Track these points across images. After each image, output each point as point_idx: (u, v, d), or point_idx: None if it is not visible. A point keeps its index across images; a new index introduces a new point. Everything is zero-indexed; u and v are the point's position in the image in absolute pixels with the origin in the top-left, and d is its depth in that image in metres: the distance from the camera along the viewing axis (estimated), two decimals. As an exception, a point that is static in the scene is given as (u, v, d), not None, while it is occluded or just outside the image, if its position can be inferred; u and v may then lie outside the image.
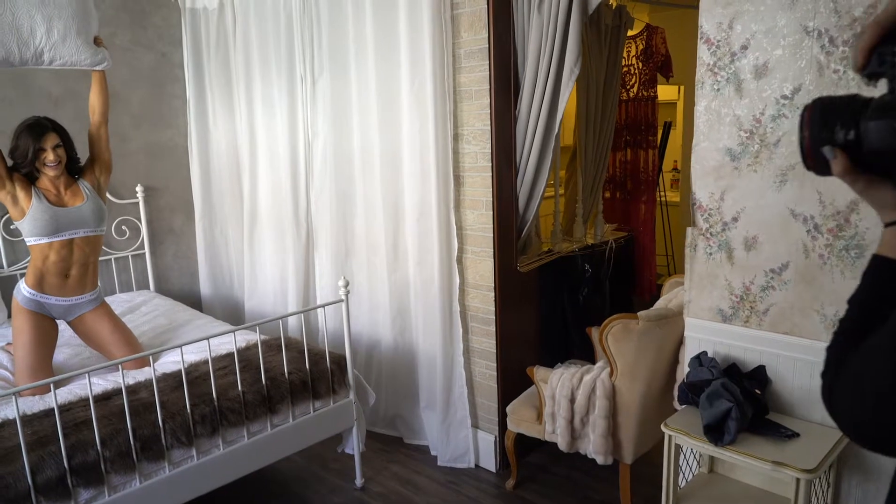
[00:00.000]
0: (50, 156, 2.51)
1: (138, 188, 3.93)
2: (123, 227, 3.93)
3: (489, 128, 2.70)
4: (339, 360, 2.74)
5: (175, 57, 4.06)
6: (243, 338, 2.96)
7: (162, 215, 4.13)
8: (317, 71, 3.31)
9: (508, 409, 2.74)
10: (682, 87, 4.88)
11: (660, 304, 2.56)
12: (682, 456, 2.18)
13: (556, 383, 2.50)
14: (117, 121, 3.73)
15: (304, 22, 3.30)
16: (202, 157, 4.12)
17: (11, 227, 3.51)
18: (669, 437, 1.94)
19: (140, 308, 3.59)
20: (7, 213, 3.47)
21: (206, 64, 3.98)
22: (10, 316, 3.36)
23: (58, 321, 2.73)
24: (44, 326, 2.63)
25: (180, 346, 2.29)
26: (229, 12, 3.73)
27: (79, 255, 2.62)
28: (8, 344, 3.01)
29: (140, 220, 3.98)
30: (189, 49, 4.03)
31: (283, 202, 3.63)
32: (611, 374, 2.42)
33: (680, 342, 2.41)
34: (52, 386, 1.99)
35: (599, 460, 2.44)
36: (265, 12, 3.50)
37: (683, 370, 2.39)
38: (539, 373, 2.61)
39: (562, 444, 2.50)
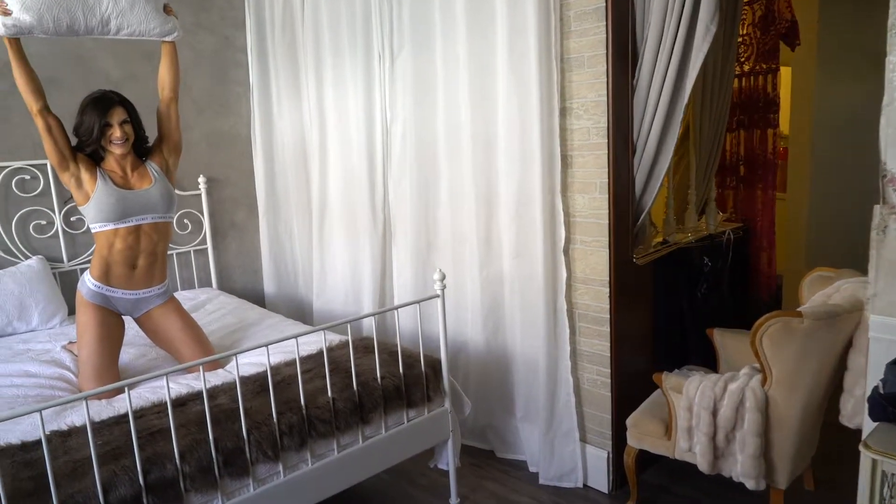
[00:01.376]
0: (116, 132, 2.25)
1: (200, 179, 3.69)
2: (185, 221, 3.70)
3: (605, 99, 2.35)
4: (433, 364, 2.42)
5: (238, 41, 3.82)
6: (319, 339, 2.66)
7: (224, 208, 3.89)
8: (396, 48, 3.01)
9: (629, 421, 2.38)
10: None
11: (816, 300, 2.18)
12: (885, 485, 1.79)
13: (695, 392, 2.13)
14: (180, 107, 3.50)
15: (384, -7, 3.01)
16: (266, 147, 3.86)
17: (72, 218, 3.30)
18: (873, 461, 1.56)
19: (205, 306, 3.33)
20: (69, 204, 3.26)
21: (271, 48, 3.73)
22: (70, 313, 3.16)
23: (124, 318, 2.47)
24: (110, 323, 2.37)
25: (266, 345, 1.99)
26: (299, -8, 3.47)
27: (146, 244, 2.36)
28: (70, 343, 2.77)
29: (202, 214, 3.74)
30: (253, 32, 3.79)
31: (357, 193, 3.33)
32: (763, 382, 2.04)
33: (848, 345, 2.03)
34: (126, 389, 1.71)
35: (750, 485, 2.06)
36: (339, -15, 3.22)
37: (855, 379, 2.00)
38: (669, 380, 2.25)
39: (702, 464, 2.13)
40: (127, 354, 2.62)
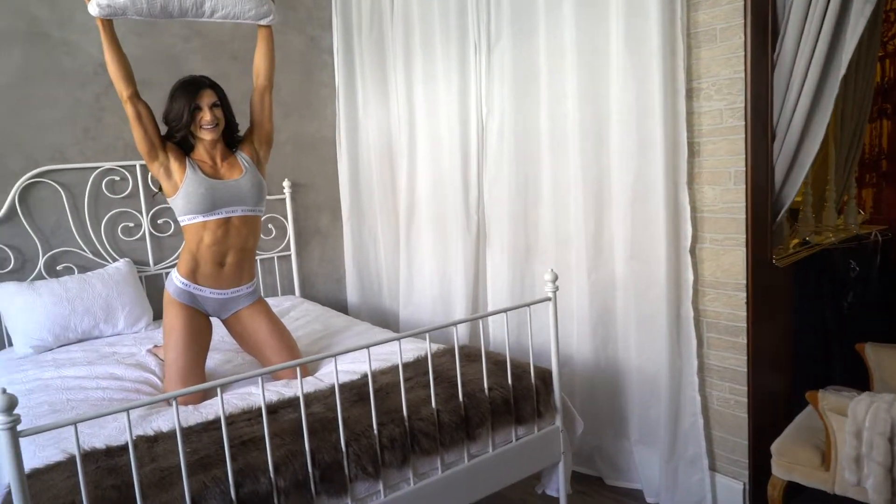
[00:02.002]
0: (206, 115, 2.13)
1: (285, 183, 3.58)
2: (270, 226, 3.59)
3: (742, 75, 2.07)
4: (543, 376, 2.16)
5: (324, 41, 3.72)
6: (415, 346, 2.45)
7: (308, 214, 3.77)
8: (493, 37, 2.81)
9: (775, 448, 2.04)
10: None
11: None
12: None
13: (864, 415, 1.79)
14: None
15: (481, -21, 2.82)
16: (351, 150, 3.73)
17: (159, 221, 3.23)
18: None
19: (289, 313, 3.19)
20: (156, 205, 3.20)
21: (357, 47, 3.61)
22: (156, 318, 3.07)
23: (211, 319, 2.34)
24: (197, 323, 2.24)
25: (367, 347, 1.79)
26: (388, -16, 3.33)
27: (235, 239, 2.22)
28: (155, 347, 2.66)
29: (286, 219, 3.63)
30: (339, 31, 3.68)
31: (448, 194, 3.13)
32: (956, 404, 1.68)
33: None
34: (219, 390, 1.54)
35: (942, 529, 1.70)
36: (432, -24, 3.06)
37: None
38: (828, 399, 1.91)
39: (876, 501, 1.77)
40: (212, 360, 2.48)
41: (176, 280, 2.21)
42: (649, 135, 2.27)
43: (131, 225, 3.15)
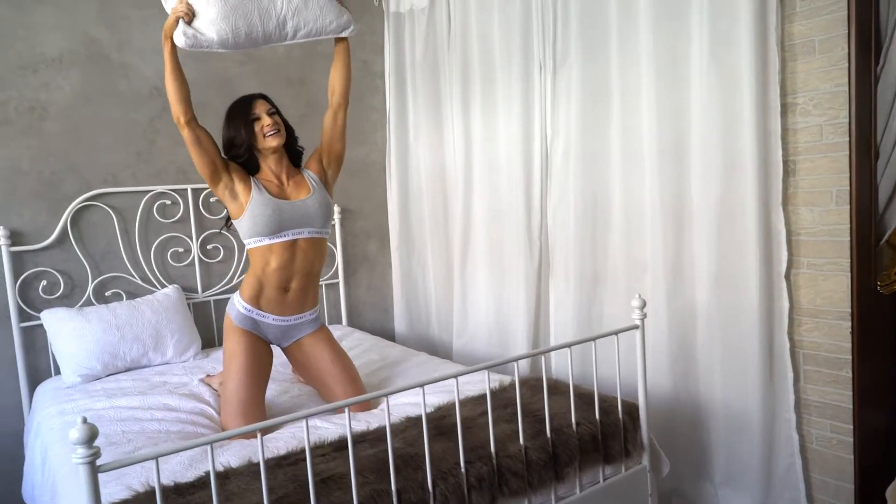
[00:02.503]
0: (267, 120, 2.05)
1: (335, 209, 3.49)
2: (318, 253, 3.48)
3: (845, 89, 1.94)
4: (630, 411, 2.00)
5: (376, 66, 3.67)
6: (480, 377, 2.31)
7: (356, 241, 3.67)
8: (560, 57, 2.72)
9: (891, 492, 1.85)
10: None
11: None
12: None
13: None
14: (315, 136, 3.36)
15: (546, 0, 2.74)
16: (401, 176, 3.64)
17: (209, 247, 3.14)
18: None
19: (341, 342, 3.03)
20: (206, 230, 3.12)
21: (410, 71, 3.55)
22: (204, 346, 2.96)
23: (272, 347, 2.22)
24: (259, 352, 2.12)
25: (455, 377, 1.65)
26: (443, 8, 3.27)
27: (302, 263, 2.11)
28: (207, 376, 2.54)
29: (336, 246, 3.53)
30: (391, 56, 3.63)
31: (508, 220, 3.01)
32: None
33: None
34: (305, 422, 1.40)
35: None
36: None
37: None
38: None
39: None
40: (268, 390, 2.35)
41: (238, 305, 2.10)
42: (738, 153, 2.14)
43: (181, 250, 3.07)
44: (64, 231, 2.79)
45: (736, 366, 2.22)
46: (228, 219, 2.20)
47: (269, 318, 2.11)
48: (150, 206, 2.99)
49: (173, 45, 1.97)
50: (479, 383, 2.22)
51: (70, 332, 2.62)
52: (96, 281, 2.86)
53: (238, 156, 2.06)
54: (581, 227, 2.71)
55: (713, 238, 2.24)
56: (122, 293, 2.92)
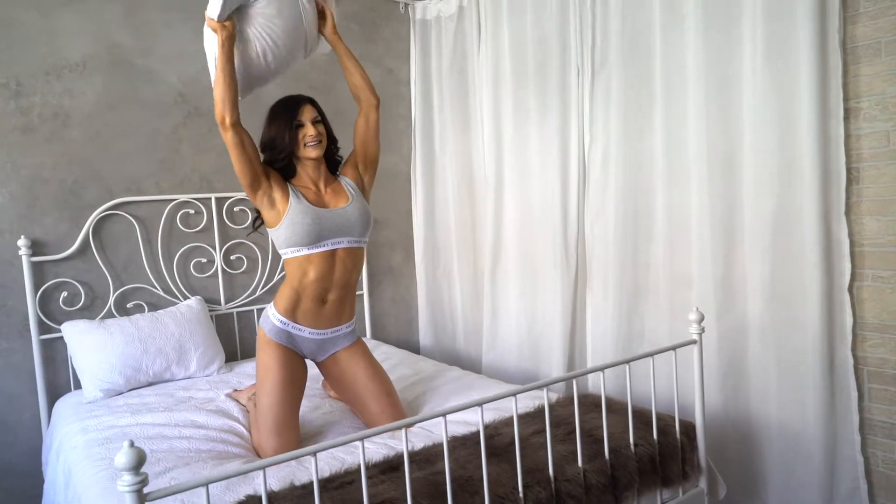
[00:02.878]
0: (310, 130, 1.96)
1: (360, 219, 3.40)
2: (342, 264, 3.39)
3: (913, 93, 1.84)
4: (687, 431, 1.89)
5: (401, 73, 3.60)
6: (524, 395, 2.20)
7: (380, 252, 3.58)
8: (598, 61, 2.64)
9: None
10: None
11: None
12: None
13: None
14: (344, 143, 3.28)
15: (585, 3, 2.66)
16: (426, 186, 3.56)
17: (232, 257, 3.05)
18: None
19: (369, 356, 2.96)
20: (230, 240, 3.03)
21: (436, 78, 3.47)
22: (228, 360, 2.87)
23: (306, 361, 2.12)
24: (294, 367, 2.02)
25: (514, 394, 1.55)
26: (472, 14, 3.20)
27: (340, 273, 2.02)
28: (235, 391, 2.45)
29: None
30: (417, 63, 3.56)
31: (542, 231, 2.92)
32: None
33: None
34: (361, 443, 1.30)
35: None
36: (524, 4, 2.91)
37: None
38: None
39: None
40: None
41: (273, 318, 2.00)
42: (795, 160, 2.05)
43: (204, 261, 2.98)
44: (86, 241, 2.70)
45: (792, 384, 2.11)
46: (255, 220, 2.11)
47: (305, 332, 2.02)
48: (174, 215, 2.90)
49: (228, 41, 1.87)
50: (524, 399, 2.11)
51: (91, 345, 2.53)
52: (118, 292, 2.77)
53: (275, 160, 1.97)
54: (621, 238, 2.61)
55: (767, 250, 2.15)
56: (144, 305, 2.83)
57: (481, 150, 3.24)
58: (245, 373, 2.77)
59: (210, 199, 2.98)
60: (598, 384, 2.73)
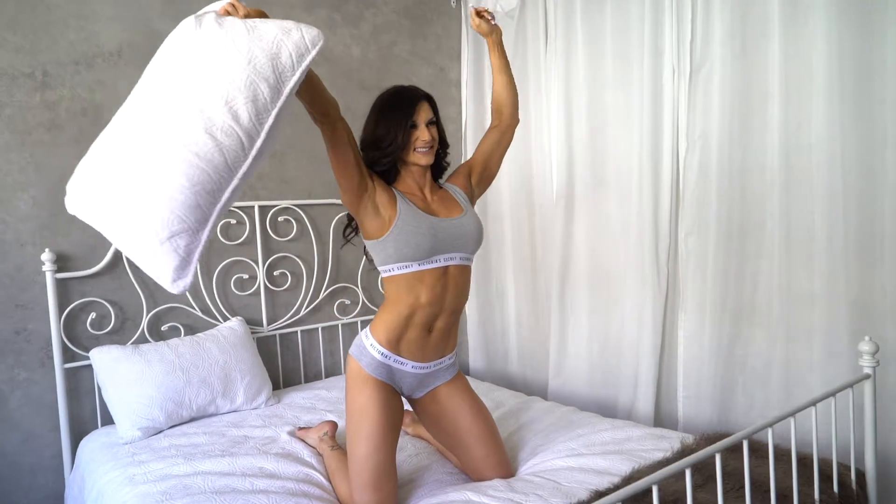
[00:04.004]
0: (424, 135, 1.66)
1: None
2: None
3: None
4: (860, 481, 1.63)
5: (452, 73, 3.32)
6: (649, 433, 1.93)
7: (429, 267, 3.27)
8: (697, 57, 2.39)
9: None
10: None
11: None
12: None
13: None
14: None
15: (681, -6, 2.41)
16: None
17: (275, 273, 2.73)
18: None
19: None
20: (273, 254, 2.72)
21: (490, 79, 3.19)
22: (276, 388, 2.53)
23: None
24: (395, 408, 1.71)
25: (716, 451, 1.26)
26: (538, 9, 2.94)
27: (453, 295, 1.72)
28: (301, 429, 2.13)
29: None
30: (469, 63, 3.28)
31: (624, 247, 2.65)
32: None
33: None
34: (653, 489, 1.01)
35: None
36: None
37: None
38: None
39: None
40: (382, 448, 1.94)
41: (373, 349, 1.69)
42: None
43: (245, 277, 2.66)
44: (116, 254, 2.36)
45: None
46: (347, 228, 1.80)
47: (407, 366, 1.71)
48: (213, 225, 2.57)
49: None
50: (650, 439, 1.84)
51: (127, 375, 2.19)
52: (152, 313, 2.44)
53: (377, 162, 1.67)
54: (724, 253, 2.36)
55: (918, 268, 1.90)
56: (181, 327, 2.50)
57: (546, 160, 2.96)
58: (296, 404, 2.45)
59: (253, 207, 2.66)
60: (690, 414, 2.51)
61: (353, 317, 2.96)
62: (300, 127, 2.71)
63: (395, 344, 1.68)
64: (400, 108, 1.64)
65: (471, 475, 1.83)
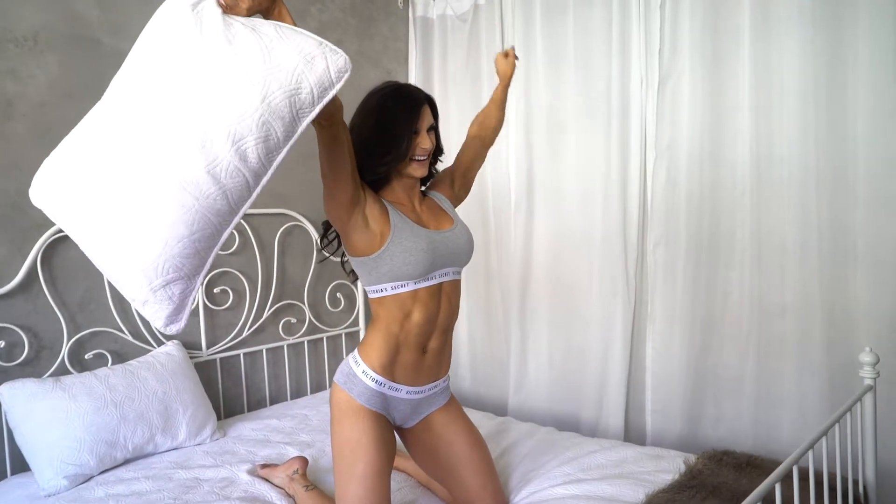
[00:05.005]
0: (425, 142, 1.50)
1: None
2: (338, 295, 2.88)
3: None
4: (858, 498, 1.61)
5: (399, 76, 3.16)
6: (647, 453, 1.85)
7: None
8: (665, 69, 2.37)
9: None
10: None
11: None
12: None
13: None
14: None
15: (649, 3, 2.39)
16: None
17: (216, 290, 2.45)
18: None
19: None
20: (214, 269, 2.45)
21: (440, 83, 3.08)
22: (221, 418, 2.27)
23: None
24: (388, 441, 1.53)
25: (773, 483, 1.17)
26: (493, 13, 2.84)
27: (446, 313, 1.56)
28: (262, 467, 1.89)
29: (356, 288, 2.93)
30: (417, 66, 3.14)
31: (588, 258, 2.59)
32: None
33: None
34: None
35: None
36: (566, 3, 2.60)
37: None
38: None
39: None
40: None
41: (365, 377, 1.49)
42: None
43: (181, 295, 2.36)
44: (31, 272, 2.02)
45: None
46: (323, 237, 1.60)
47: (402, 392, 1.53)
48: (146, 237, 2.27)
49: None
50: (651, 460, 1.76)
51: (46, 414, 1.87)
52: (73, 339, 2.10)
53: (371, 170, 1.48)
54: (692, 264, 2.35)
55: (888, 278, 1.95)
56: (107, 354, 2.17)
57: (504, 167, 2.86)
58: (247, 437, 2.19)
59: (191, 217, 2.38)
60: (658, 429, 2.48)
61: (300, 336, 2.72)
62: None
63: (388, 369, 1.50)
64: (405, 112, 1.46)
65: (465, 511, 1.67)
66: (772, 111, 2.15)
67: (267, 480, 1.83)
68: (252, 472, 1.87)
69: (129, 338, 2.23)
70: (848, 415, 1.57)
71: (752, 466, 1.66)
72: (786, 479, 1.17)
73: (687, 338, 2.37)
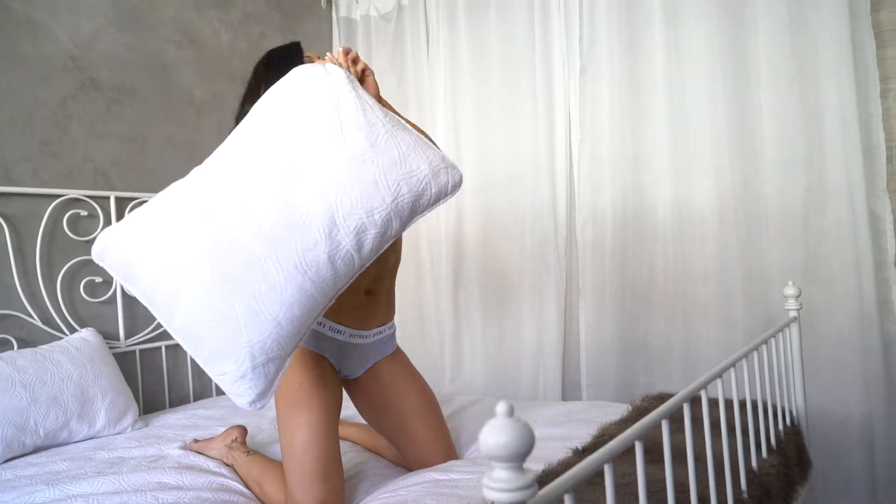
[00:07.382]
0: None
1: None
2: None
3: (937, 75, 1.95)
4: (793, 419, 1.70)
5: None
6: (584, 408, 1.87)
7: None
8: (585, 56, 2.50)
9: None
10: None
11: None
12: None
13: None
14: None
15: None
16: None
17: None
18: None
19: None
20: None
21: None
22: (140, 414, 2.09)
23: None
24: (337, 389, 1.47)
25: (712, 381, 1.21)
26: (417, 13, 2.92)
27: (390, 249, 1.54)
28: (196, 442, 1.76)
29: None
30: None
31: (520, 238, 2.64)
32: None
33: None
34: None
35: None
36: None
37: None
38: None
39: None
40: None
41: (310, 315, 1.44)
42: (826, 140, 2.06)
43: (98, 281, 2.22)
44: (-73, 245, 1.84)
45: (835, 370, 2.05)
46: None
47: (345, 335, 1.48)
48: (58, 216, 2.13)
49: None
50: (599, 409, 1.79)
51: (-56, 397, 1.67)
52: (-26, 322, 1.92)
53: None
54: (619, 240, 2.45)
55: (797, 235, 2.11)
56: (13, 340, 1.99)
57: (432, 157, 2.89)
58: (174, 424, 2.04)
59: (109, 198, 2.25)
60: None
61: (226, 331, 2.59)
62: (160, 111, 2.40)
63: (330, 309, 1.45)
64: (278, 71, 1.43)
65: (412, 466, 1.60)
66: (685, 88, 2.31)
67: (201, 453, 1.70)
68: (184, 448, 1.74)
69: (39, 323, 2.05)
70: (775, 345, 1.67)
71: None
72: (696, 402, 1.21)
73: (617, 310, 2.45)
